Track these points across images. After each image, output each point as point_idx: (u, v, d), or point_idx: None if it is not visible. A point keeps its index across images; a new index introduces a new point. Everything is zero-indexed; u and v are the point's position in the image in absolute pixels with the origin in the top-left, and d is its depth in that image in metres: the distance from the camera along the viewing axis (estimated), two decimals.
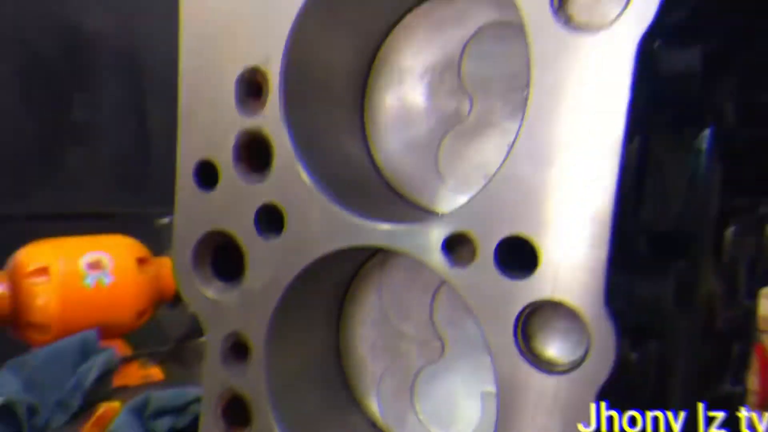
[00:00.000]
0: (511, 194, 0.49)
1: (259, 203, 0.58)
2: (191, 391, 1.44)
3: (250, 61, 0.57)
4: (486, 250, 0.49)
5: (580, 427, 0.48)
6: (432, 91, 0.64)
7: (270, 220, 0.58)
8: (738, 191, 0.65)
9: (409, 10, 0.63)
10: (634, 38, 0.43)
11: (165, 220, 1.84)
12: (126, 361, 1.65)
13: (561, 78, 0.46)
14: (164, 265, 1.74)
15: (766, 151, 0.65)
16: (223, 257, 0.62)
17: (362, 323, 0.66)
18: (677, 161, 0.60)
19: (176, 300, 1.77)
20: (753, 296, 0.74)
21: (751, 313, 0.75)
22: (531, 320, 0.50)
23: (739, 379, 0.74)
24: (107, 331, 1.60)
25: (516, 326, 0.49)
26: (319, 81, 0.60)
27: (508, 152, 0.49)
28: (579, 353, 0.48)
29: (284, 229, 0.57)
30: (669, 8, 0.43)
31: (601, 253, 0.46)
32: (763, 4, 0.52)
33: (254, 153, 0.59)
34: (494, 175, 0.50)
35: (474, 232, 0.50)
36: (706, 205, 0.62)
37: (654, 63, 0.50)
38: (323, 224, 0.55)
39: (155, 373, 1.69)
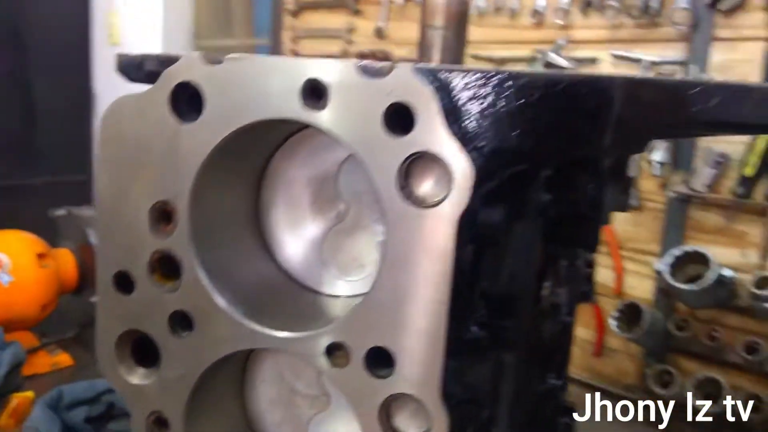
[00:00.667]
0: (376, 316, 0.64)
1: (171, 310, 0.69)
2: (101, 383, 1.55)
3: (161, 196, 0.67)
4: (357, 356, 0.65)
5: None
6: (315, 198, 0.77)
7: (181, 322, 0.70)
8: (557, 246, 0.85)
9: (296, 131, 0.74)
10: (455, 214, 0.59)
11: (61, 212, 1.85)
12: (34, 351, 1.71)
13: (405, 237, 0.61)
14: (63, 256, 1.78)
15: (572, 220, 0.83)
16: (145, 344, 0.73)
17: (262, 382, 0.81)
18: (508, 244, 0.77)
19: (78, 288, 1.83)
20: (571, 314, 0.95)
21: (569, 325, 0.97)
22: (392, 406, 0.66)
23: (559, 375, 0.96)
24: (14, 326, 1.65)
25: (380, 412, 0.66)
26: (220, 204, 0.71)
27: (372, 284, 0.64)
28: (425, 428, 0.65)
29: (194, 330, 0.69)
30: (479, 189, 0.59)
31: (438, 358, 0.63)
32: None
33: (166, 267, 0.70)
34: (362, 300, 0.64)
35: (348, 343, 0.65)
36: (530, 268, 0.80)
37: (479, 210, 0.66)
38: (227, 330, 0.68)
39: (63, 359, 1.77)
